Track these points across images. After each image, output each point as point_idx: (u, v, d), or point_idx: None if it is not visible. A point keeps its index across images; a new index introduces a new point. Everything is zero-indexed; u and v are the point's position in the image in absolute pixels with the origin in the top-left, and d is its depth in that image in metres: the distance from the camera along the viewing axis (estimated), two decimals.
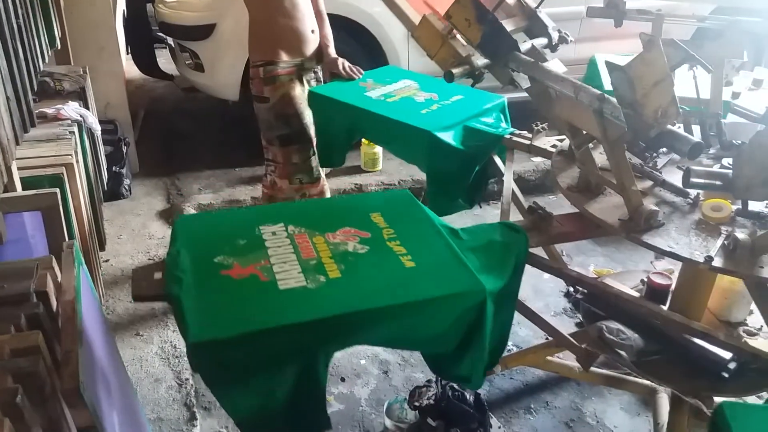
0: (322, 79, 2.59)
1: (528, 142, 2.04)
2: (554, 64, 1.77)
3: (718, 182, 1.49)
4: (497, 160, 2.21)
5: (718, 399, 1.76)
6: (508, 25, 1.84)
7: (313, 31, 2.45)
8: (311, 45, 2.45)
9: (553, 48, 1.94)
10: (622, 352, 1.65)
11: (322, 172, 2.58)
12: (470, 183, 2.17)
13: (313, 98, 2.41)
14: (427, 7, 1.82)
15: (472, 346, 1.45)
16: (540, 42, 1.89)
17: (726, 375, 1.62)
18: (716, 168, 1.69)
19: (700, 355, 1.64)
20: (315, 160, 2.50)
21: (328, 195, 2.62)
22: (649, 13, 2.30)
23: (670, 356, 1.68)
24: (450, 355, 1.48)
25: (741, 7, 2.32)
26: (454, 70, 1.62)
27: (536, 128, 2.06)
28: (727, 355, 1.62)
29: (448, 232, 1.59)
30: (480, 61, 1.72)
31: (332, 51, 2.54)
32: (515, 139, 2.07)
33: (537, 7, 1.91)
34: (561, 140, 2.04)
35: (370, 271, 1.44)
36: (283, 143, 2.44)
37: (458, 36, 1.68)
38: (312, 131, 2.45)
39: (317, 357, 1.28)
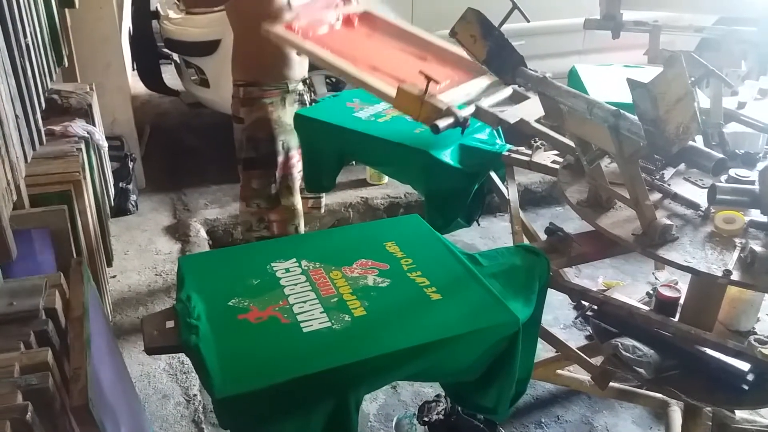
0: (307, 103, 2.51)
1: (527, 158, 2.02)
2: (533, 103, 1.79)
3: (744, 198, 1.49)
4: (494, 176, 2.18)
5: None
6: (488, 79, 1.90)
7: (299, 53, 2.35)
8: (297, 68, 2.37)
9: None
10: (641, 370, 1.62)
11: (291, 200, 2.46)
12: (469, 201, 2.13)
13: (300, 121, 2.32)
14: (396, 81, 1.85)
15: (501, 377, 1.40)
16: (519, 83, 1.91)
17: (746, 387, 1.60)
18: (723, 179, 1.69)
19: (718, 368, 1.62)
20: (275, 188, 2.40)
21: (301, 220, 2.51)
22: (646, 25, 2.31)
23: (687, 371, 1.66)
24: (475, 385, 1.43)
25: (743, 18, 2.32)
26: (440, 123, 1.64)
27: (535, 144, 2.04)
28: (745, 366, 1.60)
29: (467, 258, 1.55)
30: (463, 112, 1.73)
31: None
32: (514, 155, 2.05)
33: (501, 24, 1.94)
34: (561, 155, 2.03)
35: (396, 306, 1.38)
36: (246, 166, 2.37)
37: (434, 95, 1.71)
38: (280, 158, 2.37)
39: (348, 400, 1.23)
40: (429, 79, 1.66)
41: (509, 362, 1.38)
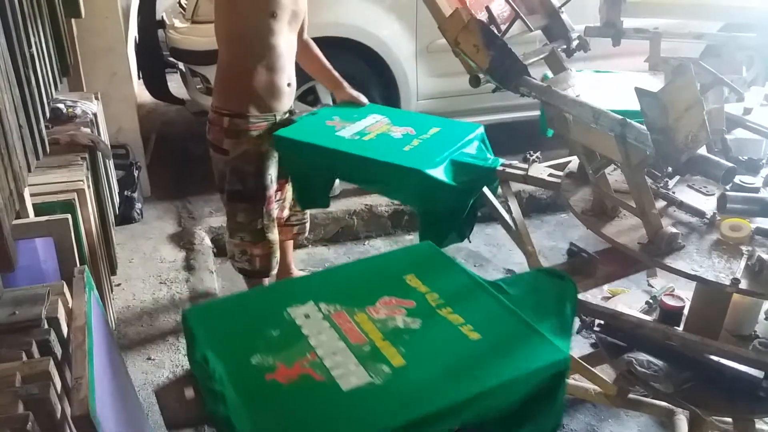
0: None
1: (522, 172, 1.96)
2: (572, 74, 1.74)
3: (755, 207, 1.48)
4: (486, 190, 2.10)
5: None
6: (528, 22, 1.81)
7: (289, 85, 2.28)
8: (286, 99, 2.29)
9: (569, 53, 1.91)
10: (658, 385, 1.58)
11: (274, 233, 2.38)
12: (464, 218, 2.06)
13: (280, 142, 2.20)
14: (458, 1, 1.74)
15: (542, 415, 1.29)
16: (559, 46, 1.86)
17: (763, 394, 1.57)
18: (727, 186, 1.68)
19: (733, 377, 1.60)
20: (261, 222, 2.29)
21: (277, 254, 2.41)
22: (646, 32, 2.30)
23: (702, 382, 1.63)
24: (508, 423, 1.30)
25: (749, 24, 2.32)
26: (480, 75, 1.60)
27: (530, 157, 1.99)
28: (759, 374, 1.58)
29: (493, 286, 1.45)
30: None
31: (349, 88, 2.50)
32: (509, 170, 1.98)
33: (561, 7, 1.88)
34: (557, 166, 1.99)
35: (436, 351, 1.26)
36: (231, 199, 2.28)
37: None
38: (268, 192, 2.29)
39: None
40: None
41: (553, 400, 1.27)
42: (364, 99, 2.51)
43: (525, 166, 1.99)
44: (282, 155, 2.28)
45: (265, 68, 2.18)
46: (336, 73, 2.51)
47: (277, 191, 2.39)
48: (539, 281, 1.51)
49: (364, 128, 2.26)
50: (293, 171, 2.29)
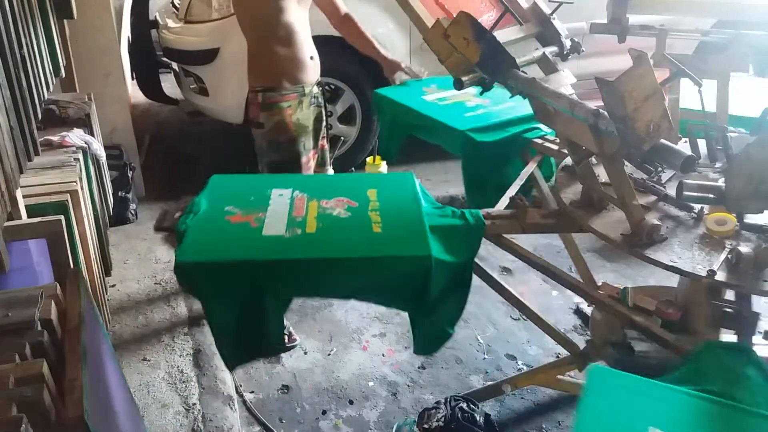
0: (322, 104, 2.57)
1: (516, 221, 1.74)
2: (565, 75, 1.76)
3: (711, 195, 1.49)
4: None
5: None
6: (521, 31, 1.84)
7: (312, 57, 2.44)
8: (311, 71, 2.45)
9: (564, 57, 1.92)
10: None
11: None
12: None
13: (186, 272, 1.56)
14: (441, 10, 1.78)
15: None
16: (551, 50, 1.87)
17: None
18: (721, 182, 1.68)
19: None
20: None
21: None
22: (652, 29, 2.31)
23: None
24: None
25: (742, 21, 2.32)
26: (464, 78, 1.61)
27: (521, 202, 1.75)
28: None
29: (701, 390, 1.21)
30: None
31: (388, 54, 2.65)
32: (499, 222, 1.74)
33: (551, 14, 1.90)
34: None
35: None
36: (270, 170, 2.43)
37: None
38: (302, 158, 2.42)
39: None
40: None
41: None
42: (404, 64, 2.69)
43: (512, 212, 1.78)
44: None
45: (286, 45, 2.36)
46: (377, 45, 2.64)
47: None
48: (730, 365, 1.28)
49: (289, 216, 1.68)
50: (217, 323, 1.63)
